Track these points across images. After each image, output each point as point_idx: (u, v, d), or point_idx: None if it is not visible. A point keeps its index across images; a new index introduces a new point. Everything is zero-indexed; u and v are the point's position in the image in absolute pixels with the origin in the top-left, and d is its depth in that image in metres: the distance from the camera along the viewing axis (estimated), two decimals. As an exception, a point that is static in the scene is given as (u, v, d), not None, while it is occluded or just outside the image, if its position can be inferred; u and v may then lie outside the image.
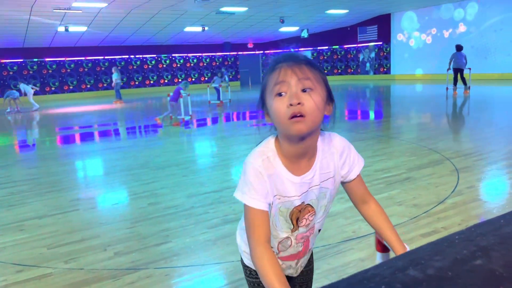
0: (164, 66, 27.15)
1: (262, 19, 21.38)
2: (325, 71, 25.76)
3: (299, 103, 1.04)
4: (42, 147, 8.51)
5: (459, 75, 14.25)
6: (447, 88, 15.00)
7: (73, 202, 4.37)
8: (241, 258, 1.49)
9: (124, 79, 24.34)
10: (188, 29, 21.95)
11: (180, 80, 27.62)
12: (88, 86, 25.19)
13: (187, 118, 10.83)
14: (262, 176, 1.15)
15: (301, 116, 1.05)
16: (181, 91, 10.36)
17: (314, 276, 1.65)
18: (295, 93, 1.06)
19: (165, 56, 27.11)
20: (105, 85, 25.56)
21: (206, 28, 21.91)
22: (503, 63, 19.21)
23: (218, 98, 15.62)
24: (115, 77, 18.73)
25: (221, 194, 4.38)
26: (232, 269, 2.78)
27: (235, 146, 7.16)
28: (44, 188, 4.99)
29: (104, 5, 15.71)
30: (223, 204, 4.05)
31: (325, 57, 28.27)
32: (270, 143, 1.21)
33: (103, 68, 25.39)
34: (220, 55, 28.91)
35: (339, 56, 27.92)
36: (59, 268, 2.89)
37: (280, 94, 1.07)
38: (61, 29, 18.95)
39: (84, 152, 7.41)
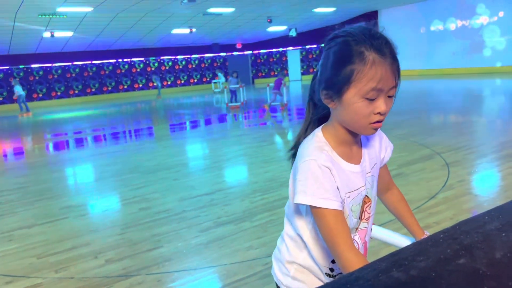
0: (153, 69, 27.01)
1: (249, 19, 21.37)
2: (313, 70, 25.75)
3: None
4: (31, 154, 8.41)
5: None
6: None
7: (63, 210, 4.31)
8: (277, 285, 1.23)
9: (25, 91, 19.98)
10: (175, 31, 21.86)
11: (169, 82, 27.50)
12: (76, 91, 24.97)
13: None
14: (330, 172, 1.01)
15: (381, 121, 1.01)
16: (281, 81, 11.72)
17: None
18: (384, 102, 0.98)
19: (153, 59, 26.97)
20: (93, 90, 25.36)
21: (193, 30, 21.84)
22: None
23: (235, 100, 14.61)
24: (17, 89, 17.79)
25: (212, 196, 4.35)
26: (225, 272, 2.76)
27: (227, 148, 7.14)
28: (33, 196, 4.92)
29: (89, 9, 15.57)
30: (215, 206, 4.02)
31: (314, 56, 28.35)
32: (319, 136, 1.07)
33: (90, 73, 25.19)
34: (209, 57, 28.84)
35: (327, 55, 27.97)
36: (49, 277, 2.84)
37: (371, 100, 0.97)
38: (46, 34, 18.75)
39: (73, 159, 7.33)
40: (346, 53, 0.98)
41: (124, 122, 12.98)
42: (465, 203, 3.65)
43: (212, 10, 17.72)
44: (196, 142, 8.24)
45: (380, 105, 0.97)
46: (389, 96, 1.00)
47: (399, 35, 23.41)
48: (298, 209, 1.13)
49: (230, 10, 18.09)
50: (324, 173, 1.00)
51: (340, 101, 1.00)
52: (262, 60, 30.24)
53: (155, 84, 23.74)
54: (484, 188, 4.16)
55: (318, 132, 1.09)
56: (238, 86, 14.41)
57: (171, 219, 3.78)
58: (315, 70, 1.12)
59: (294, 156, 1.13)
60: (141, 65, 26.66)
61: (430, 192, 3.96)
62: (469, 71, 20.06)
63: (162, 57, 27.19)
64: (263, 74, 30.33)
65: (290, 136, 8.37)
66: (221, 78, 24.24)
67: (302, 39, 27.27)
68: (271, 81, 13.80)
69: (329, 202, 0.98)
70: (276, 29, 24.71)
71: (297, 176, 1.03)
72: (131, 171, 5.82)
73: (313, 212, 1.02)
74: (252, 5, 17.57)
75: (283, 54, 29.30)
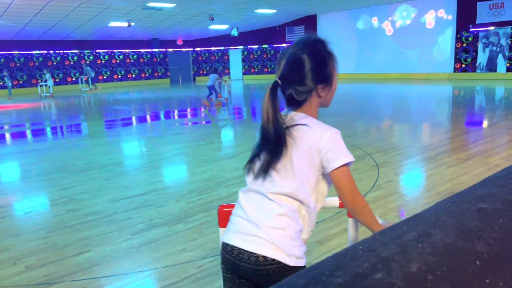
0: (88, 62, 25.68)
1: (191, 16, 21.03)
2: (255, 70, 25.89)
3: None
4: None
5: None
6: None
7: (-22, 213, 3.93)
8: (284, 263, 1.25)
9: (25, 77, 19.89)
10: (113, 24, 20.95)
11: (105, 77, 26.31)
12: (1, 83, 23.07)
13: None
14: None
15: None
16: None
17: None
18: None
19: (88, 52, 25.65)
20: (21, 82, 23.58)
21: (132, 24, 21.06)
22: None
23: (213, 97, 13.79)
24: None
25: (146, 197, 4.20)
26: (157, 276, 2.66)
27: (164, 146, 6.94)
28: None
29: (16, -5, 14.45)
30: (148, 208, 3.88)
31: (255, 56, 28.57)
32: (317, 120, 1.40)
33: (18, 64, 23.40)
34: (148, 52, 27.99)
35: (268, 55, 28.37)
36: (-42, 288, 2.57)
37: None
38: (-34, 20, 17.12)
39: (-6, 156, 6.74)
40: (326, 57, 1.37)
41: (54, 117, 12.19)
42: (392, 202, 3.84)
43: (152, 4, 17.20)
44: (132, 140, 7.94)
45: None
46: None
47: (335, 38, 24.32)
48: (314, 180, 1.31)
49: (171, 5, 17.67)
50: None
51: (330, 88, 1.40)
52: (203, 58, 29.93)
53: (86, 76, 22.46)
54: (409, 188, 4.41)
55: (313, 119, 1.38)
56: (220, 81, 14.02)
57: (101, 222, 3.58)
58: (281, 74, 1.39)
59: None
60: (75, 58, 25.24)
61: (361, 191, 4.11)
62: (397, 76, 21.31)
63: (98, 50, 25.94)
64: (205, 72, 30.04)
65: (230, 135, 8.34)
66: (49, 80, 19.95)
67: (244, 39, 27.37)
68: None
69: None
70: (218, 27, 24.57)
71: (333, 143, 1.31)
72: (59, 170, 5.46)
73: (339, 171, 1.27)
74: (193, 2, 17.31)
75: (225, 53, 29.22)
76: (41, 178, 5.15)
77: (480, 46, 18.76)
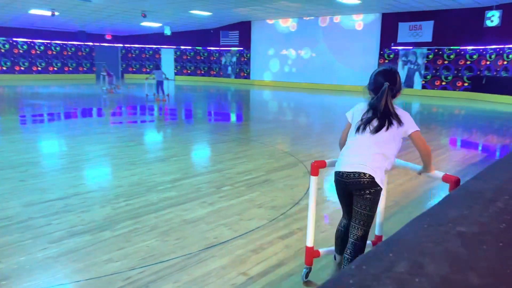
0: (3, 51, 23.48)
1: (122, 11, 20.13)
2: (188, 71, 25.61)
3: None
4: None
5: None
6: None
7: None
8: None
9: None
10: (34, 11, 19.37)
11: (22, 68, 24.23)
12: None
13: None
14: None
15: None
16: None
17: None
18: None
19: (3, 40, 23.46)
20: None
21: (56, 13, 19.64)
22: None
23: (162, 92, 14.39)
24: None
25: (67, 201, 3.85)
26: (77, 290, 2.42)
27: (88, 146, 6.49)
28: None
29: None
30: (69, 213, 3.56)
31: (189, 57, 28.14)
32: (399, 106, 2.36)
33: None
34: (73, 44, 26.31)
35: (202, 58, 28.09)
36: None
37: None
38: None
39: None
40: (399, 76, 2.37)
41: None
42: (323, 210, 3.91)
43: (79, -6, 16.19)
44: (52, 138, 7.33)
45: None
46: None
47: (267, 46, 24.80)
48: (398, 140, 2.29)
49: (100, -3, 16.77)
50: None
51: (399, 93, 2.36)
52: (133, 55, 28.82)
53: None
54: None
55: (398, 107, 2.32)
56: (164, 78, 14.41)
57: (13, 228, 3.21)
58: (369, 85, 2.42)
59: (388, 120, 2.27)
60: (-13, 45, 22.95)
61: (294, 198, 4.16)
62: (329, 88, 22.24)
63: (15, 39, 23.83)
64: (134, 69, 28.94)
65: (161, 137, 8.05)
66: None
67: (177, 39, 26.83)
68: (143, 77, 14.19)
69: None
70: (151, 24, 23.81)
71: (410, 118, 2.29)
72: (-36, 169, 4.85)
73: (415, 134, 2.26)
74: (125, -4, 16.59)
75: (157, 51, 28.41)
76: None
77: (399, 63, 20.23)
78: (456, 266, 0.50)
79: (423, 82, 19.61)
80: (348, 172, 2.25)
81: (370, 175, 2.19)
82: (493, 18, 15.50)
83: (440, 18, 18.47)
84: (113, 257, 2.79)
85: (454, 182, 2.11)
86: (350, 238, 2.33)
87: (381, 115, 2.24)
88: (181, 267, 2.68)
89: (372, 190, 2.22)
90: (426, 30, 19.09)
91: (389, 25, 20.06)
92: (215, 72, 27.93)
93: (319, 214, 3.79)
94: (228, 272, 2.64)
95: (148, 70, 26.84)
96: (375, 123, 2.25)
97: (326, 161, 2.48)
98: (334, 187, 2.43)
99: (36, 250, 2.86)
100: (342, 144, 2.48)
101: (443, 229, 0.60)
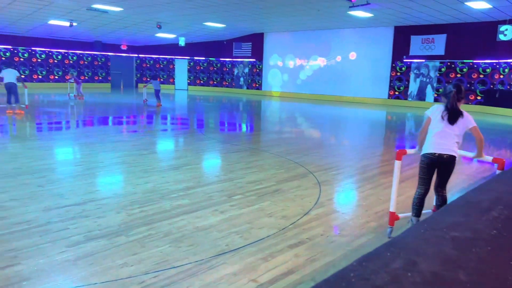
0: (22, 60, 24.08)
1: (138, 22, 20.55)
2: (201, 82, 25.83)
3: None
4: None
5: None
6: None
7: None
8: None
9: None
10: (53, 22, 19.88)
11: (40, 76, 24.79)
12: None
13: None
14: None
15: None
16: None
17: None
18: None
19: (22, 49, 24.07)
20: None
21: (74, 24, 20.13)
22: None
23: (159, 99, 15.39)
24: None
25: (84, 207, 3.97)
26: (94, 292, 2.51)
27: (103, 154, 6.64)
28: None
29: None
30: (86, 218, 3.67)
31: (202, 68, 28.48)
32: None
33: None
34: (89, 54, 26.85)
35: (215, 68, 28.41)
36: None
37: None
38: None
39: None
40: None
41: (-21, 115, 11.23)
42: (333, 220, 3.96)
43: (97, 6, 16.59)
44: (68, 146, 7.51)
45: None
46: None
47: (279, 57, 25.00)
48: (464, 132, 3.46)
49: (117, 9, 17.16)
50: None
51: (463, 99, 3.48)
52: (148, 65, 29.27)
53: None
54: (349, 207, 4.59)
55: (462, 110, 3.46)
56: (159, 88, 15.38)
57: (33, 232, 3.33)
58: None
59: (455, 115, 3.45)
60: (8, 54, 23.55)
61: (304, 208, 4.22)
62: (340, 99, 22.30)
63: (34, 48, 24.43)
64: (148, 79, 29.36)
65: (174, 146, 8.18)
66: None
67: (191, 49, 27.21)
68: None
69: None
70: (165, 36, 24.22)
71: (471, 117, 3.45)
72: (-16, 174, 5.01)
73: (474, 128, 3.41)
74: (141, 7, 16.95)
75: (171, 62, 28.83)
76: (-38, 182, 4.70)
77: (412, 76, 20.21)
78: (446, 265, 0.57)
79: (435, 95, 19.54)
80: (440, 153, 3.44)
81: (452, 156, 3.44)
82: (506, 32, 15.45)
83: (452, 31, 18.47)
84: (128, 262, 2.88)
85: (502, 164, 3.24)
86: (439, 194, 3.68)
87: (453, 113, 3.38)
88: (193, 272, 2.76)
89: (453, 164, 3.50)
90: (438, 43, 19.08)
91: (402, 37, 20.10)
92: (227, 83, 28.21)
93: (329, 224, 3.84)
94: (239, 278, 2.71)
95: (148, 79, 27.10)
96: (450, 118, 3.39)
97: (407, 150, 3.70)
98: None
99: (55, 253, 2.96)
100: (423, 133, 3.58)
101: (438, 234, 0.68)
